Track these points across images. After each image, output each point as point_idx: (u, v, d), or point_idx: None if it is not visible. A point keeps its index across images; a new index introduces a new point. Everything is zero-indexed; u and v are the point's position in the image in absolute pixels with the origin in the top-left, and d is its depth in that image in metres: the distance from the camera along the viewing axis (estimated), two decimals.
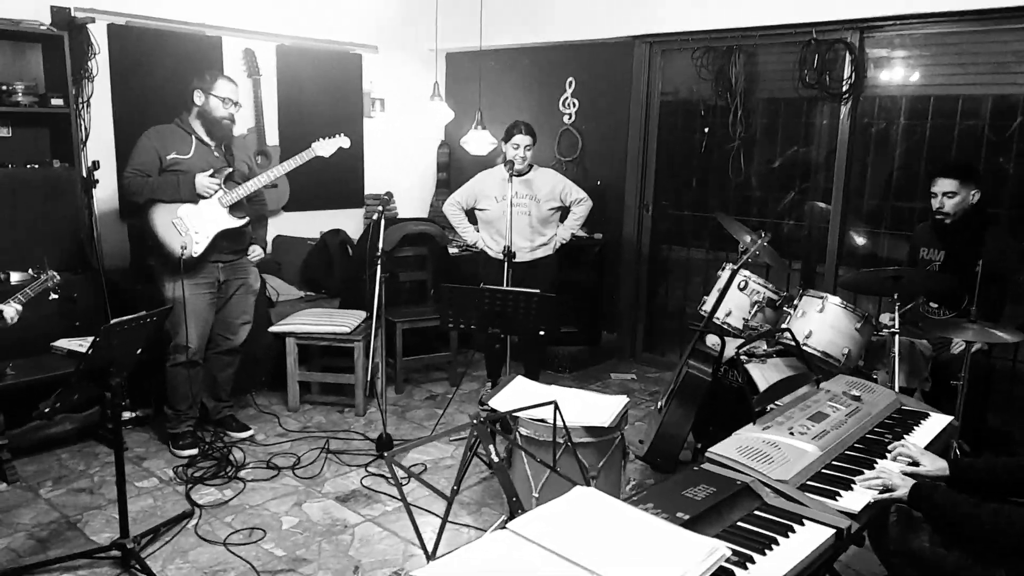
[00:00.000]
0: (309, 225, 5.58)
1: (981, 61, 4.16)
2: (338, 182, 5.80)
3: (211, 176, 3.69)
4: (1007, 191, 4.14)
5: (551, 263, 4.62)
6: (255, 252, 4.00)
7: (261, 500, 3.41)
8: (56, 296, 3.36)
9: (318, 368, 4.65)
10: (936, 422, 2.44)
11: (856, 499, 1.91)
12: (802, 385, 2.49)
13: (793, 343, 2.70)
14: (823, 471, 2.06)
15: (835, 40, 4.45)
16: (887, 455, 2.17)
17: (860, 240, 4.73)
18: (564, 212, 4.64)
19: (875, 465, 2.11)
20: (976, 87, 4.21)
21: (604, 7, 5.27)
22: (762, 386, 3.41)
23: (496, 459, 1.80)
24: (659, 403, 3.58)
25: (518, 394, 3.16)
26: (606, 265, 5.55)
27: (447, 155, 6.52)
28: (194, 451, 3.81)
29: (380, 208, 3.80)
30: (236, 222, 3.78)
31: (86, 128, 4.34)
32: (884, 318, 3.74)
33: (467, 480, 3.58)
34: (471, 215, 4.71)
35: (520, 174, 4.47)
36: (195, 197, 3.67)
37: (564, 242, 4.63)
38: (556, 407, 2.07)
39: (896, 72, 4.45)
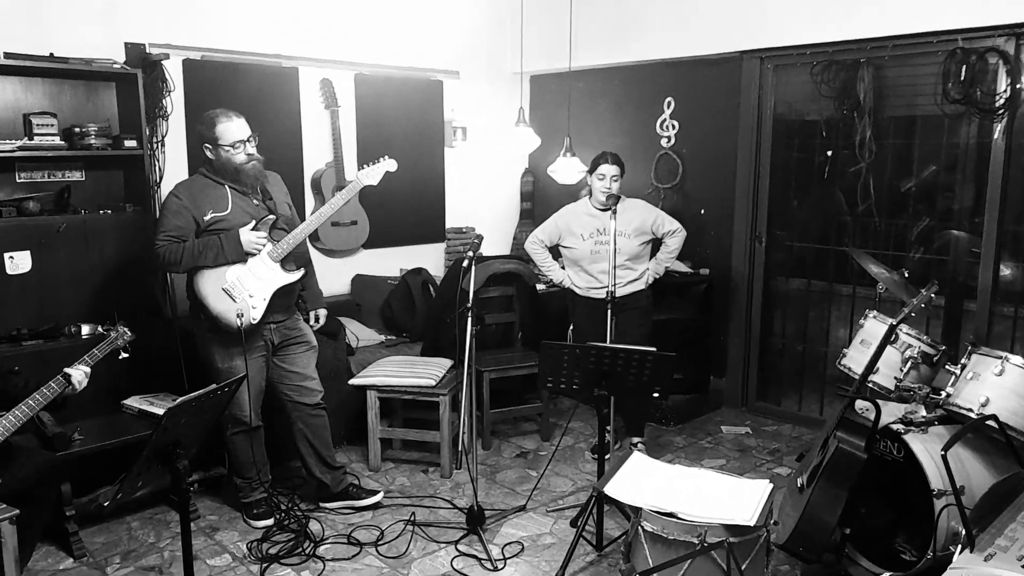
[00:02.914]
0: (388, 263, 5.26)
1: None
2: (418, 216, 5.47)
3: (255, 229, 3.26)
4: None
5: (644, 299, 4.18)
6: (321, 315, 3.68)
7: None
8: (127, 355, 3.11)
9: (400, 422, 4.28)
10: None
11: None
12: (1015, 489, 1.95)
13: (998, 430, 2.15)
14: None
15: (986, 49, 3.86)
16: None
17: (1017, 274, 4.09)
18: (656, 244, 4.20)
19: None
20: None
21: (705, 20, 4.79)
22: (925, 462, 2.85)
23: None
24: (800, 480, 3.05)
25: (637, 476, 2.69)
26: (714, 303, 5.03)
27: (531, 184, 6.12)
28: (269, 521, 3.48)
29: (471, 253, 3.39)
30: (292, 277, 3.36)
31: (160, 169, 4.11)
32: None
33: (571, 565, 3.12)
34: (555, 251, 4.31)
35: (607, 208, 4.06)
36: (243, 256, 3.24)
37: (657, 276, 4.21)
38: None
39: None
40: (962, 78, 3.91)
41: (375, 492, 3.68)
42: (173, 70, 4.16)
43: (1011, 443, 2.17)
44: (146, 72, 3.94)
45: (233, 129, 3.25)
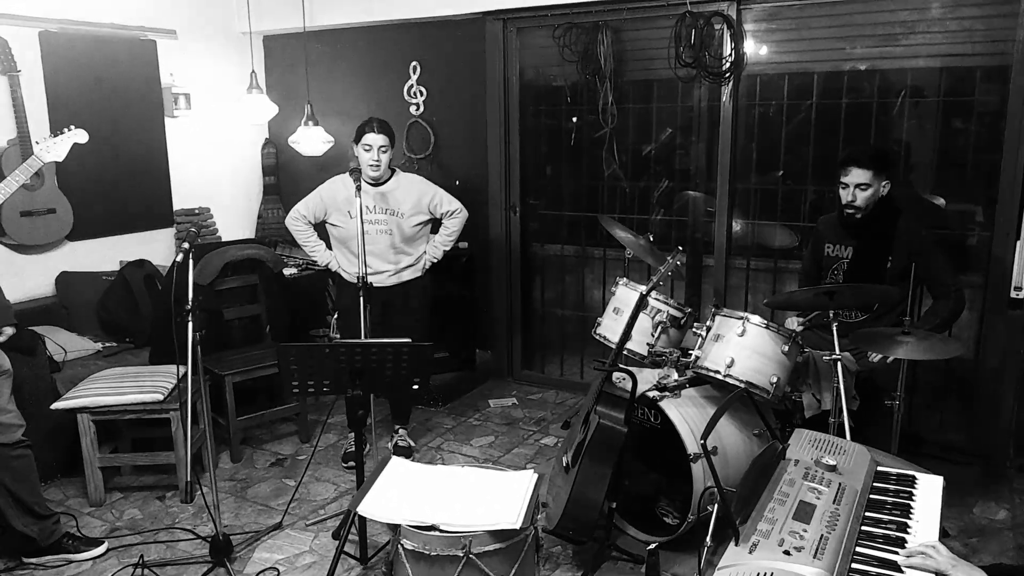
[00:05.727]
0: (105, 255, 4.50)
1: (866, 33, 3.83)
2: (138, 198, 4.72)
3: None
4: (895, 173, 3.86)
5: (420, 288, 3.86)
6: (6, 332, 2.96)
7: None
8: None
9: (128, 445, 3.68)
10: (929, 489, 1.98)
11: None
12: (772, 463, 1.94)
13: (748, 397, 2.15)
14: None
15: (712, 13, 3.98)
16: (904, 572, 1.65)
17: (747, 230, 4.35)
18: (435, 225, 3.91)
19: None
20: (862, 61, 3.89)
21: None
22: (680, 427, 2.88)
23: None
24: (564, 459, 2.97)
25: (395, 485, 2.43)
26: (476, 277, 4.88)
27: (274, 156, 5.57)
28: None
29: (187, 244, 2.86)
30: None
31: None
32: (791, 323, 3.31)
33: None
34: (321, 229, 3.86)
35: (378, 183, 3.69)
36: None
37: (435, 261, 3.89)
38: None
39: (778, 48, 4.06)
40: (692, 42, 4.02)
41: (98, 542, 3.08)
42: None
43: (761, 413, 2.19)
44: None
45: None
